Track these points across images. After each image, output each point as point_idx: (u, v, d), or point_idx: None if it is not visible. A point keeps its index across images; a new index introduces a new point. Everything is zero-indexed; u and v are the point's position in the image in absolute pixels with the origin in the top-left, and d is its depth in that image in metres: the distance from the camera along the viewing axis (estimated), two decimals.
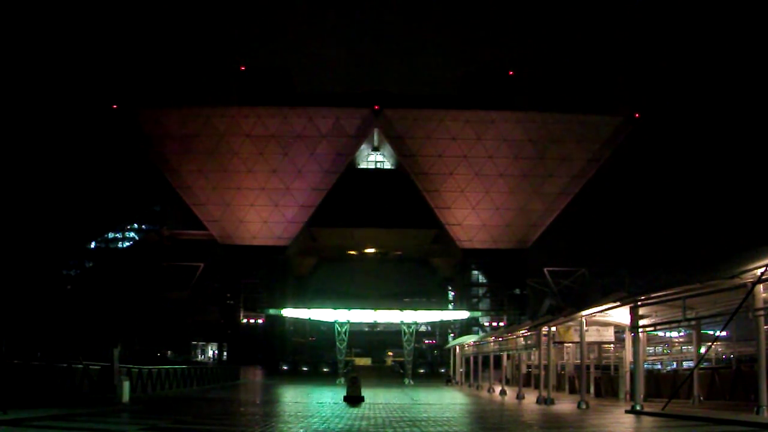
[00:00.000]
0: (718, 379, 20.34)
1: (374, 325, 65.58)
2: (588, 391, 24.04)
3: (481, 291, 67.42)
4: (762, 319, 14.27)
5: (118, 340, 23.76)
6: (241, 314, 62.73)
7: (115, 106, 60.36)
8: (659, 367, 32.39)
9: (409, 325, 44.92)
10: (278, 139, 59.81)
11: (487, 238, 62.21)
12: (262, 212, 61.44)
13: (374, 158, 67.39)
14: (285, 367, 57.77)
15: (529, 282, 65.23)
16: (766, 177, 61.97)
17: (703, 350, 21.33)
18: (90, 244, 75.00)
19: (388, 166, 66.93)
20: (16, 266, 52.30)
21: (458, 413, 19.82)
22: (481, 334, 53.20)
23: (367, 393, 24.01)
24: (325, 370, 55.40)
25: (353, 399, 22.58)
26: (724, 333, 20.48)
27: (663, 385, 22.85)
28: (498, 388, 30.56)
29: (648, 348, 29.34)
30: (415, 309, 54.77)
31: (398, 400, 24.86)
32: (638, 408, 16.96)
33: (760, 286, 13.77)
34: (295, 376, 52.69)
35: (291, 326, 66.90)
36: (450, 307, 72.89)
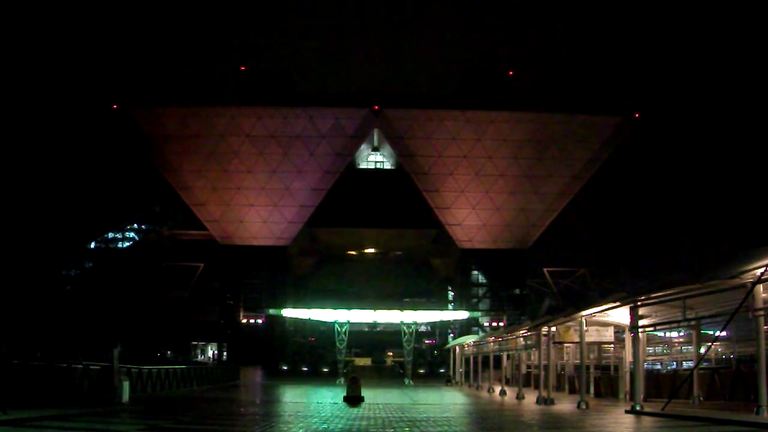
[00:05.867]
0: (718, 379, 20.35)
1: (374, 325, 65.54)
2: (588, 391, 24.04)
3: (480, 291, 67.39)
4: (762, 319, 14.26)
5: (118, 340, 23.75)
6: (241, 314, 62.71)
7: (115, 106, 60.36)
8: (659, 367, 32.40)
9: (408, 326, 44.92)
10: (278, 139, 59.80)
11: (487, 238, 62.21)
12: (262, 212, 61.43)
13: (374, 158, 67.38)
14: (285, 368, 57.79)
15: (529, 282, 65.30)
16: (766, 177, 61.95)
17: (703, 350, 21.34)
18: (90, 244, 74.93)
19: (388, 166, 66.91)
20: (16, 266, 52.28)
21: (458, 413, 19.82)
22: (481, 334, 53.20)
23: (366, 393, 24.01)
24: (325, 370, 55.41)
25: (353, 399, 22.57)
26: (724, 333, 20.47)
27: (663, 385, 22.87)
28: (498, 388, 30.57)
29: (648, 348, 29.33)
30: (415, 309, 54.81)
31: (398, 401, 24.86)
32: (638, 408, 16.96)
33: (760, 286, 13.77)
34: (295, 377, 52.69)
35: (291, 326, 66.86)
36: (450, 307, 72.84)
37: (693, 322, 18.69)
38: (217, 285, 64.76)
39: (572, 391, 28.61)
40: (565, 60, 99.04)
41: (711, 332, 23.14)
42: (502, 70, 66.91)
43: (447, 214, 61.59)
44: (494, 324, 62.30)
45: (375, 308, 49.43)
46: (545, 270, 63.92)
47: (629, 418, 16.06)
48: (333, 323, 44.67)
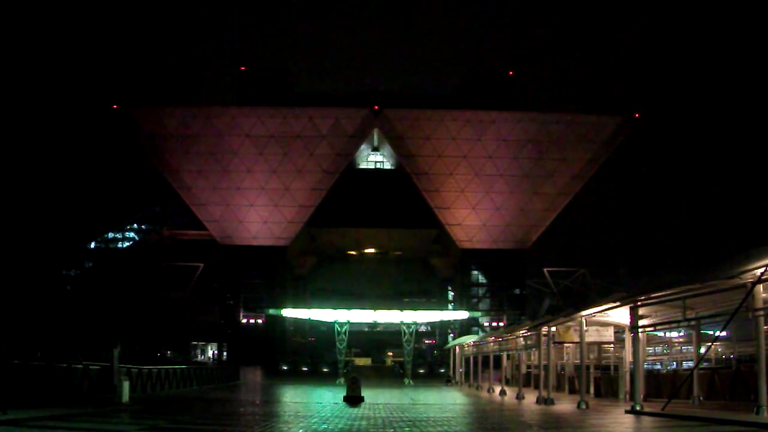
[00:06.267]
0: (718, 379, 20.36)
1: (374, 325, 65.51)
2: (588, 391, 24.04)
3: (480, 291, 67.40)
4: (762, 319, 14.27)
5: (118, 340, 23.76)
6: (241, 314, 62.72)
7: (115, 106, 60.36)
8: (659, 367, 32.40)
9: (408, 326, 44.90)
10: (278, 139, 59.80)
11: (487, 238, 62.20)
12: (262, 212, 61.42)
13: (374, 158, 67.37)
14: (285, 367, 57.76)
15: (529, 282, 65.27)
16: (766, 177, 61.98)
17: (703, 350, 21.34)
18: (90, 244, 74.98)
19: (387, 166, 66.90)
20: (16, 266, 52.28)
21: (458, 413, 19.81)
22: (481, 334, 53.19)
23: (366, 393, 24.00)
24: (325, 370, 55.40)
25: (353, 399, 22.56)
26: (724, 333, 20.47)
27: (663, 385, 22.87)
28: (498, 389, 30.55)
29: (648, 348, 29.32)
30: (415, 309, 54.86)
31: (398, 401, 24.86)
32: (638, 408, 16.95)
33: (760, 286, 13.76)
34: (295, 376, 52.67)
35: (291, 326, 66.85)
36: (450, 307, 72.83)
37: (693, 322, 18.69)
38: (216, 285, 64.74)
39: (572, 391, 28.61)
40: (565, 60, 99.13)
41: (711, 332, 23.15)
42: (502, 70, 66.94)
43: (447, 214, 61.58)
44: (494, 324, 62.30)
45: (375, 308, 49.41)
46: (545, 270, 63.85)
47: (629, 418, 16.06)
48: (333, 323, 44.64)
